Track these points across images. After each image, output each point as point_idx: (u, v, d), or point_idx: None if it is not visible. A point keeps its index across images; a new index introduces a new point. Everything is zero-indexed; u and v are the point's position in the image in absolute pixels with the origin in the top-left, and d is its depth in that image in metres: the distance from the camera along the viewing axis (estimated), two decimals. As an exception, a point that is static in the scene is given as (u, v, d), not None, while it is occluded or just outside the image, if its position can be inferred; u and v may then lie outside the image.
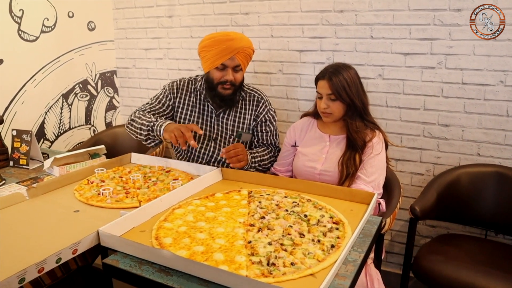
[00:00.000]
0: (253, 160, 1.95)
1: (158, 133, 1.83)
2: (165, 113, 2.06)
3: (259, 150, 2.04)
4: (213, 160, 2.07)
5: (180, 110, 2.07)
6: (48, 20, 2.55)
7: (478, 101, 2.07)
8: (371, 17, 2.20)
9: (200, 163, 2.05)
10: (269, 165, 2.06)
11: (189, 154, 2.10)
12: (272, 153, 2.09)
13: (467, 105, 2.10)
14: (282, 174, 1.98)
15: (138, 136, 1.95)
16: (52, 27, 2.59)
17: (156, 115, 2.01)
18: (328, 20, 2.30)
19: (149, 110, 2.03)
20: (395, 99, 2.24)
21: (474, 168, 2.08)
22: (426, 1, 2.06)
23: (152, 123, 1.86)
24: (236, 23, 2.56)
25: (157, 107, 2.04)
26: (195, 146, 1.74)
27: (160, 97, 2.07)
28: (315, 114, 1.96)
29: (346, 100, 1.75)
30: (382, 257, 1.80)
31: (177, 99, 2.06)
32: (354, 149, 1.77)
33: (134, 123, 1.95)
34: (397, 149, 2.26)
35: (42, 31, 2.52)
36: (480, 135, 2.10)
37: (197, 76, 2.14)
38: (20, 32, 2.40)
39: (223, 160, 2.03)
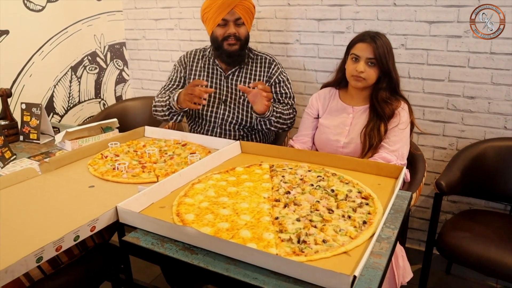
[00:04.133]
0: (274, 113, 1.87)
1: (175, 107, 1.92)
2: (179, 87, 2.11)
3: (280, 105, 1.97)
4: (224, 122, 2.04)
5: (191, 78, 2.09)
6: (54, -12, 2.45)
7: (507, 72, 1.96)
8: (394, -17, 2.08)
9: (213, 127, 2.05)
10: (288, 121, 1.97)
11: (201, 121, 2.08)
12: (291, 111, 2.00)
13: (495, 76, 1.99)
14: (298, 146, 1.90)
15: (165, 118, 2.02)
16: (59, -4, 2.49)
17: (173, 91, 2.07)
18: (349, -14, 2.19)
19: (164, 91, 2.11)
20: (418, 70, 2.14)
21: (500, 142, 1.99)
22: (455, -35, 1.95)
23: (167, 101, 1.96)
24: (250, -9, 2.44)
25: (170, 85, 2.13)
26: (203, 102, 1.80)
27: (173, 76, 2.14)
28: (337, 83, 1.88)
29: (385, 67, 1.69)
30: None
31: (187, 69, 2.11)
32: (380, 118, 1.71)
33: (157, 108, 2.04)
34: (419, 122, 2.17)
35: (48, 1, 2.42)
36: (508, 107, 2.00)
37: (206, 46, 2.14)
38: (25, 1, 2.30)
39: (234, 121, 2.02)
